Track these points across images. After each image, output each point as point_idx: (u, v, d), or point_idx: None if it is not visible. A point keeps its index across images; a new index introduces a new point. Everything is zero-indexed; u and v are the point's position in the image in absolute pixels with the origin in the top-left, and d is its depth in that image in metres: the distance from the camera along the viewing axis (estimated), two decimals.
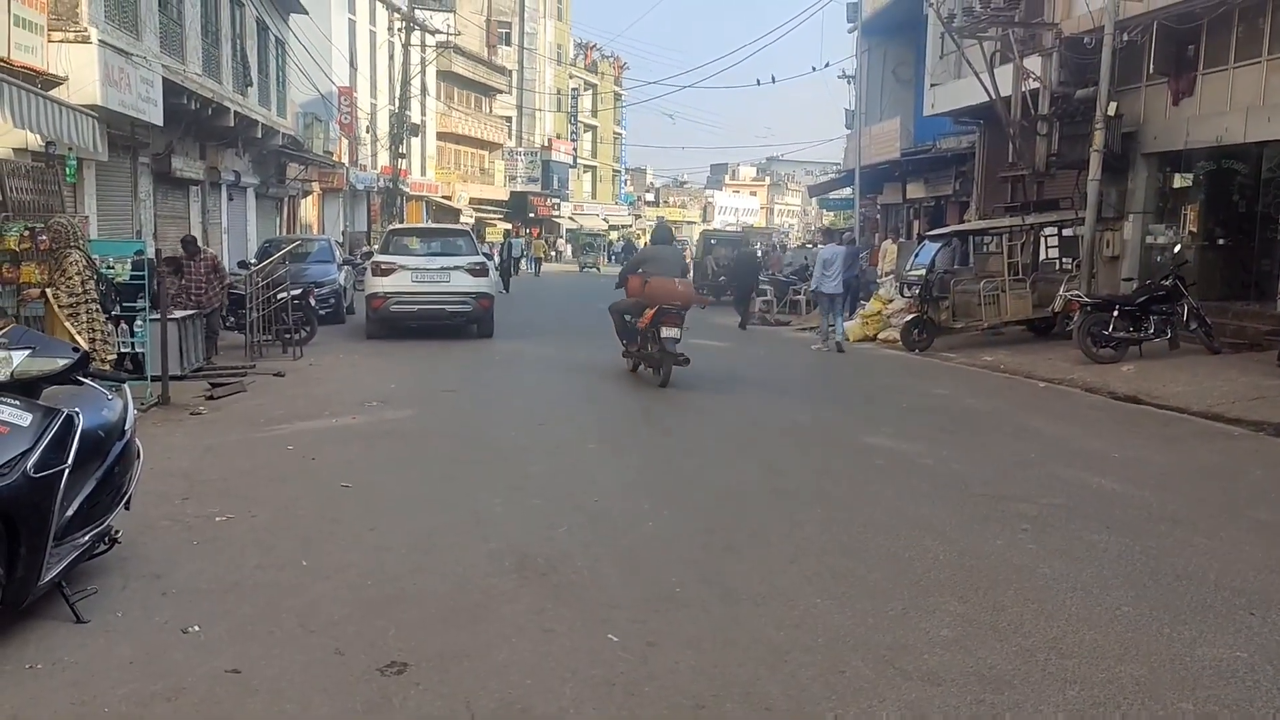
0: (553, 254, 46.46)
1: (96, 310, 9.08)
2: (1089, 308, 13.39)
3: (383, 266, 15.96)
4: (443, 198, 47.20)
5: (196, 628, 4.30)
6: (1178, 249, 14.41)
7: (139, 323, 10.50)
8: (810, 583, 5.01)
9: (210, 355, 12.77)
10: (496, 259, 28.38)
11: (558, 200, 63.53)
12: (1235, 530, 6.06)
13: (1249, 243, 15.18)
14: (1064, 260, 17.49)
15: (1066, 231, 17.19)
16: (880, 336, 17.44)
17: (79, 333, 8.70)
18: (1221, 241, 15.58)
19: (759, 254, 25.24)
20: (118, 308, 10.27)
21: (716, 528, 5.99)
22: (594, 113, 72.46)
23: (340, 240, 29.52)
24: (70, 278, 8.78)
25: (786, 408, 10.82)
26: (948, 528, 5.98)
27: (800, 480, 7.36)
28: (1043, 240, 18.10)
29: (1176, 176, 16.04)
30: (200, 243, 14.55)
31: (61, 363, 4.54)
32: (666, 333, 11.02)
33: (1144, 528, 6.05)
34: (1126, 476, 7.42)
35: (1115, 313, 13.07)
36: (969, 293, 16.01)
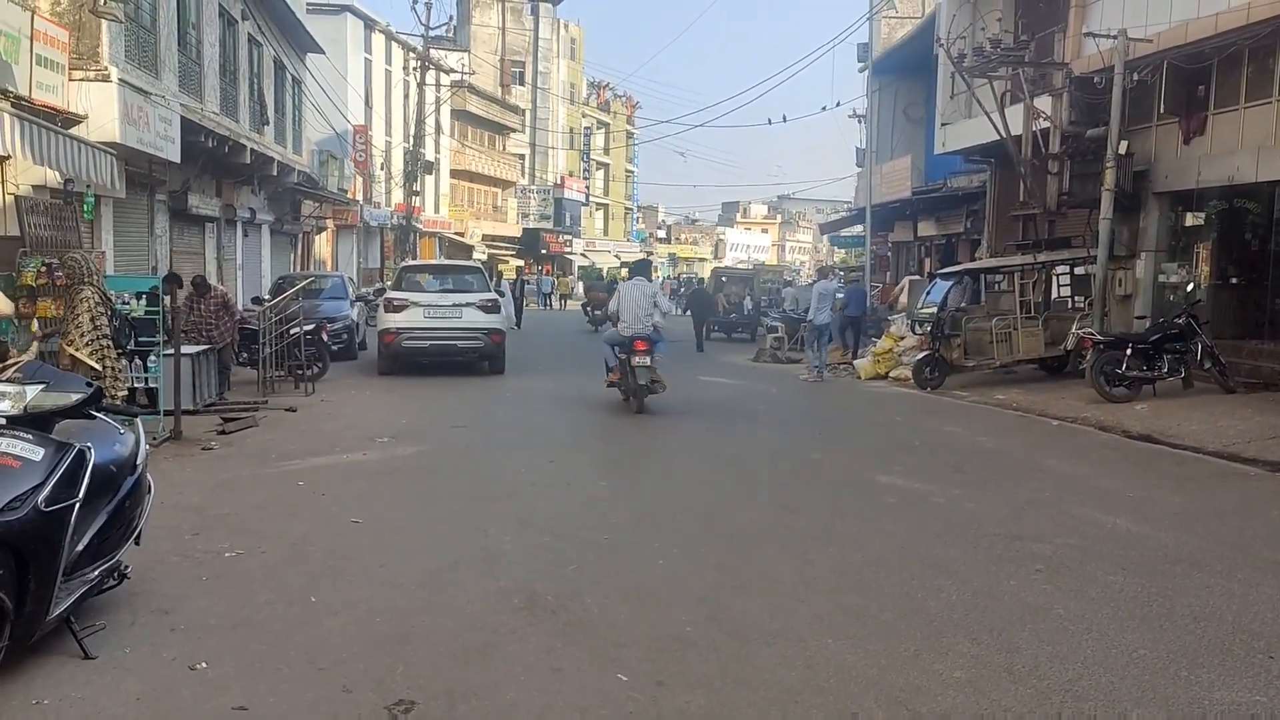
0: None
1: (108, 346, 9.14)
2: (1102, 346, 13.33)
3: (395, 302, 16.03)
4: (456, 234, 47.53)
5: (204, 664, 4.29)
6: (1191, 287, 14.37)
7: (153, 357, 10.56)
8: (822, 622, 4.97)
9: (222, 391, 12.82)
10: (510, 295, 28.74)
11: (570, 237, 63.88)
12: (1252, 571, 5.98)
13: (1262, 282, 15.12)
14: (1076, 298, 17.45)
15: (1079, 270, 17.17)
16: (892, 374, 17.38)
17: (94, 363, 8.76)
18: (1235, 280, 15.54)
19: (709, 290, 29.30)
20: (133, 342, 10.31)
21: (727, 565, 5.96)
22: (606, 151, 73.00)
23: (353, 278, 29.72)
24: (78, 315, 8.86)
25: (798, 445, 10.79)
26: (961, 567, 5.93)
27: (812, 518, 7.32)
28: (1054, 278, 18.08)
29: (1188, 215, 16.02)
30: (212, 280, 14.67)
31: (75, 397, 4.56)
32: (596, 312, 26.78)
33: (1159, 568, 5.99)
34: (1141, 516, 7.36)
35: (1128, 351, 13.01)
36: (981, 330, 15.98)
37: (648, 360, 11.86)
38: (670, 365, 20.18)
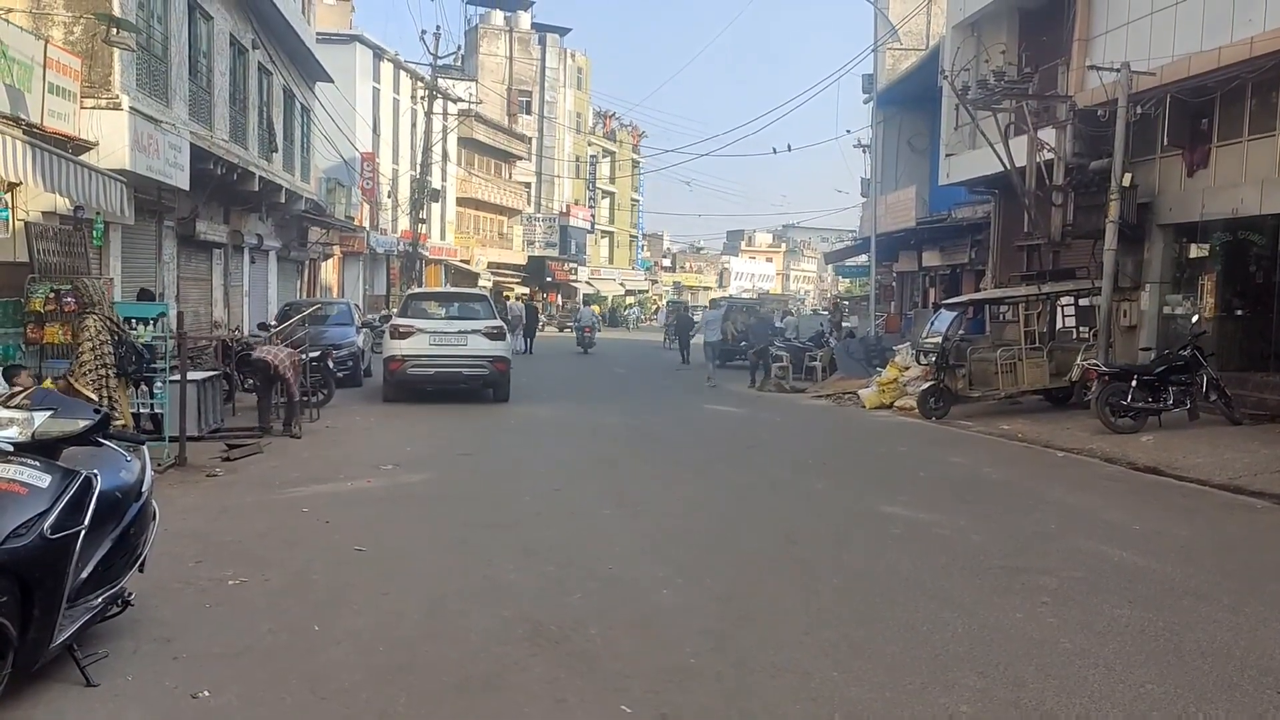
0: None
1: (107, 377, 9.16)
2: (1107, 377, 13.32)
3: (401, 329, 16.08)
4: (461, 262, 47.70)
5: (206, 693, 4.27)
6: (1195, 319, 14.36)
7: (159, 384, 10.57)
8: (827, 654, 4.94)
9: (290, 419, 12.51)
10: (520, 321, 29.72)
11: (575, 265, 64.11)
12: (1259, 605, 5.95)
13: (1267, 314, 15.10)
14: (1081, 330, 17.46)
15: (1083, 301, 17.18)
16: (897, 404, 17.36)
17: (91, 392, 8.78)
18: (1239, 312, 15.53)
19: (690, 313, 37.51)
20: (143, 369, 10.26)
21: (732, 596, 5.93)
22: (612, 179, 73.36)
23: (359, 305, 29.82)
24: (80, 345, 8.90)
25: (803, 474, 10.76)
26: (966, 599, 5.91)
27: (817, 549, 7.29)
28: (1059, 309, 18.09)
29: (1193, 247, 16.04)
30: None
31: (82, 424, 4.57)
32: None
33: (1167, 602, 5.96)
34: (1148, 549, 7.32)
35: (1134, 383, 13.00)
36: (986, 361, 15.97)
37: (590, 334, 33.11)
38: (676, 393, 20.35)
